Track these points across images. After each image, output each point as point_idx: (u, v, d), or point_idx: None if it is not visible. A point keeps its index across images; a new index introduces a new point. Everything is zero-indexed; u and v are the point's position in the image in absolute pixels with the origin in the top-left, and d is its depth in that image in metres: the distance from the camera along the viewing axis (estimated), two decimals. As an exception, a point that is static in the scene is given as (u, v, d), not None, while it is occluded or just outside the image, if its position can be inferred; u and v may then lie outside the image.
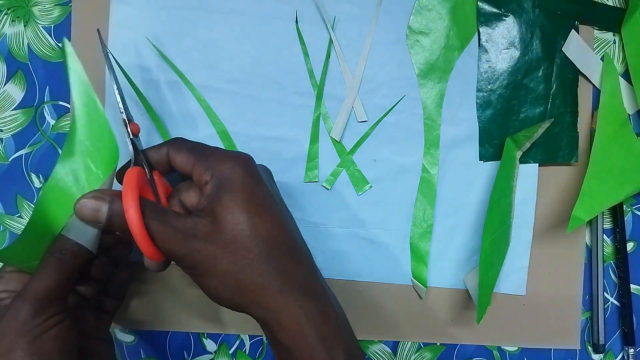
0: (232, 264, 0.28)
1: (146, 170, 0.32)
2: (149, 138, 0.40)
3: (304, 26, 0.40)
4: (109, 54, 0.33)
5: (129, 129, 0.32)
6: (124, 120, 0.33)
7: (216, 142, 0.40)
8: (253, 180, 0.30)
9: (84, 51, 0.40)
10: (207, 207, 0.29)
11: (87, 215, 0.29)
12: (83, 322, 0.34)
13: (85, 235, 0.30)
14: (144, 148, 0.33)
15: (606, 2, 0.41)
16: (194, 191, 0.32)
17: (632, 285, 0.42)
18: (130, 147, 0.32)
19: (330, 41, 0.40)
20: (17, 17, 0.40)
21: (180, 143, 0.32)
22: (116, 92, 0.33)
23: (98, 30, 0.34)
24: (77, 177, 0.31)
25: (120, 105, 0.33)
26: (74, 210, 0.29)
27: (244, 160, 0.30)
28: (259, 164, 0.33)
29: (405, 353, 0.42)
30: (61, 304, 0.30)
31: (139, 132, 0.33)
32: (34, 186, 0.41)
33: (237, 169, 0.29)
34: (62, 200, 0.31)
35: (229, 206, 0.28)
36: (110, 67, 0.33)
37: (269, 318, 0.29)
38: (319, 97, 0.40)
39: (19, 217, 0.41)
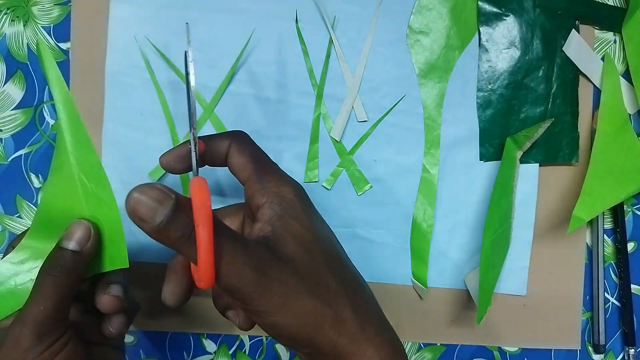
0: (314, 298, 0.25)
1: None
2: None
3: (304, 26, 0.40)
4: (188, 58, 0.27)
5: (197, 148, 0.28)
6: (193, 137, 0.27)
7: (216, 142, 0.40)
8: (310, 209, 0.28)
9: (84, 51, 0.40)
10: (273, 234, 0.26)
11: (140, 213, 0.22)
12: (89, 333, 0.31)
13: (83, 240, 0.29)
14: (204, 135, 0.30)
15: (607, 1, 0.41)
16: (236, 217, 0.31)
17: (632, 286, 0.42)
18: (195, 162, 0.28)
19: (330, 41, 0.40)
20: (17, 17, 0.40)
21: (243, 143, 0.30)
22: (189, 105, 0.27)
23: (187, 24, 0.27)
24: (70, 191, 0.30)
25: (189, 120, 0.27)
26: (126, 203, 0.22)
27: (300, 187, 0.29)
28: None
29: (405, 353, 0.42)
30: (64, 324, 0.28)
31: (203, 151, 0.30)
32: (33, 186, 0.41)
33: (296, 196, 0.27)
34: (58, 213, 0.30)
35: (298, 234, 0.26)
36: (187, 74, 0.27)
37: (343, 355, 0.26)
38: (319, 97, 0.40)
39: (18, 217, 0.41)
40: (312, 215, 0.28)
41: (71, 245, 0.28)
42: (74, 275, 0.28)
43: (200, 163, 0.29)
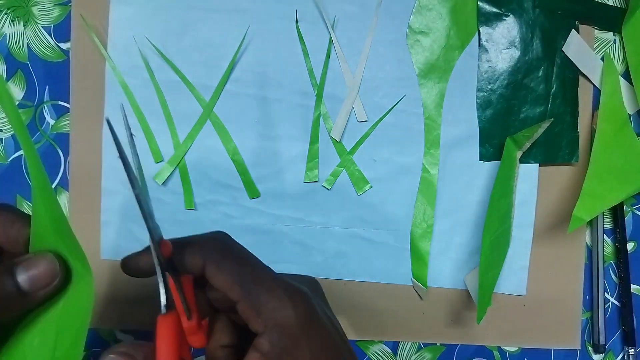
0: None
1: (175, 283, 0.24)
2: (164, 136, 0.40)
3: (304, 26, 0.40)
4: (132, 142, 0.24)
5: (159, 253, 0.23)
6: (153, 241, 0.23)
7: (216, 142, 0.40)
8: (316, 330, 0.24)
9: (84, 51, 0.40)
10: None
11: None
12: None
13: None
14: (173, 246, 0.24)
15: (606, 1, 0.41)
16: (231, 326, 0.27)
17: (632, 286, 0.42)
18: (161, 280, 0.24)
19: (330, 41, 0.40)
20: (17, 17, 0.40)
21: (220, 257, 0.24)
22: (141, 203, 0.23)
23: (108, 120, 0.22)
24: None
25: (148, 223, 0.23)
26: None
27: (304, 301, 0.24)
28: (305, 279, 0.28)
29: (405, 353, 0.42)
30: None
31: (170, 253, 0.24)
32: (33, 186, 0.41)
33: (297, 323, 0.24)
34: None
35: None
36: (135, 166, 0.23)
37: None
38: (319, 97, 0.40)
39: (18, 217, 0.41)
40: (314, 339, 0.24)
41: (22, 277, 0.21)
42: (4, 318, 0.21)
43: (170, 269, 0.24)
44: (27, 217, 0.23)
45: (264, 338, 0.23)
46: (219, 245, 0.25)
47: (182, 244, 0.25)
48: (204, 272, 0.24)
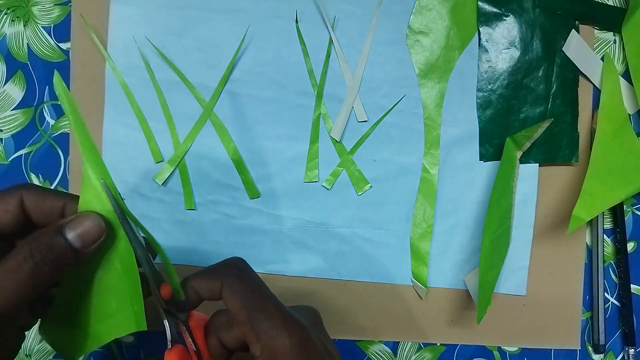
0: None
1: (181, 324, 0.27)
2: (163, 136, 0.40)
3: (304, 26, 0.40)
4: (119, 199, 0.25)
5: (160, 296, 0.26)
6: (151, 284, 0.26)
7: (216, 142, 0.40)
8: (310, 358, 0.25)
9: (84, 51, 0.40)
10: None
11: None
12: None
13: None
14: (194, 274, 0.27)
15: (606, 1, 0.41)
16: (236, 330, 0.28)
17: (632, 286, 0.42)
18: (165, 318, 0.27)
19: (330, 41, 0.40)
20: (17, 17, 0.40)
21: (236, 281, 0.26)
22: (139, 251, 0.25)
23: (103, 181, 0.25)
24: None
25: (145, 267, 0.26)
26: None
27: (300, 332, 0.25)
28: (306, 310, 0.29)
29: (405, 353, 0.42)
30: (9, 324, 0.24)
31: (170, 295, 0.26)
32: (33, 186, 0.41)
33: (291, 349, 0.25)
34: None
35: None
36: (126, 220, 0.25)
37: None
38: (319, 97, 0.40)
39: (18, 217, 0.41)
40: None
41: (71, 235, 0.23)
42: (57, 276, 0.23)
43: (188, 307, 0.27)
44: (54, 191, 0.26)
45: None
46: (236, 270, 0.27)
47: (204, 271, 0.27)
48: (221, 295, 0.26)
